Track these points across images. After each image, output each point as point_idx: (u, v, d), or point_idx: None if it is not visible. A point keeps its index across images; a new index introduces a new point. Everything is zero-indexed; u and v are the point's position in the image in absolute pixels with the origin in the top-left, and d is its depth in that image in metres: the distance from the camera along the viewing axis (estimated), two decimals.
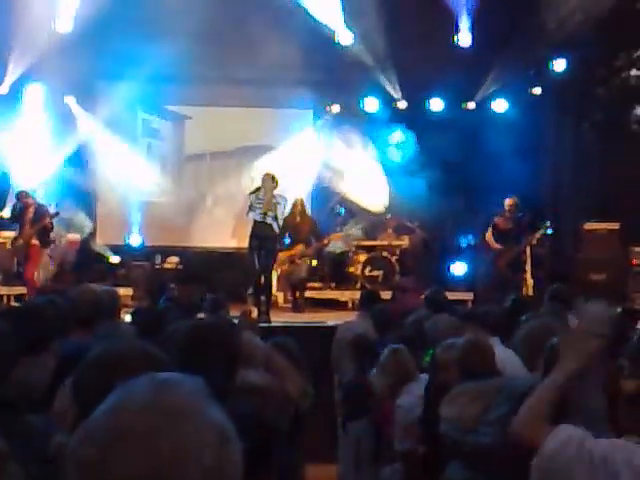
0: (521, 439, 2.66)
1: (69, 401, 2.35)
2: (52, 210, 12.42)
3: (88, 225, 14.35)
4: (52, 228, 12.34)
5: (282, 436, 3.12)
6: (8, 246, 12.53)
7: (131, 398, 1.25)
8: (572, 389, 2.73)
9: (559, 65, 14.36)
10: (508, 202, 12.36)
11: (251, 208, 10.98)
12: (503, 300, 7.84)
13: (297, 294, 12.87)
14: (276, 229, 11.08)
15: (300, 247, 12.95)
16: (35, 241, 12.04)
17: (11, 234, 12.49)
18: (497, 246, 12.36)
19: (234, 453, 1.26)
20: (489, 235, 12.47)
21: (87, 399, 1.99)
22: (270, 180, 10.99)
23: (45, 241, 12.22)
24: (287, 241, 12.98)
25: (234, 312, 7.46)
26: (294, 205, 13.01)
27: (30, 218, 12.01)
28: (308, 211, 13.51)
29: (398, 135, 14.66)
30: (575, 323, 2.89)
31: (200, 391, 1.28)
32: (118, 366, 2.09)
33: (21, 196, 12.27)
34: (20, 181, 13.28)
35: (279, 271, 13.01)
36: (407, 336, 6.17)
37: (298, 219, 13.03)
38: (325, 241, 13.38)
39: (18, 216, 12.17)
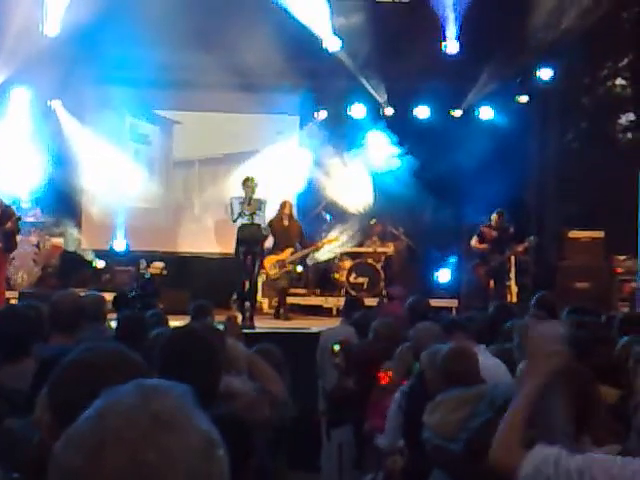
0: (501, 467, 2.67)
1: (44, 406, 2.32)
2: (38, 214, 12.21)
3: (70, 231, 14.26)
4: (17, 232, 11.83)
5: (263, 441, 3.11)
6: None
7: (118, 404, 1.23)
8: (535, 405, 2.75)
9: (545, 74, 14.40)
10: (494, 218, 12.40)
11: (241, 214, 10.98)
12: (484, 307, 7.85)
13: (279, 301, 12.84)
14: (264, 229, 11.14)
15: (289, 251, 12.84)
16: None
17: None
18: (483, 246, 12.35)
19: (221, 461, 1.25)
20: (475, 242, 12.49)
21: (63, 404, 1.97)
22: (250, 182, 11.03)
23: (8, 245, 11.67)
24: (272, 244, 12.88)
25: (219, 318, 7.44)
26: (282, 207, 12.87)
27: None
28: (295, 215, 13.43)
29: (384, 143, 14.65)
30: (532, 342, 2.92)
31: (187, 398, 1.27)
32: (94, 370, 2.05)
33: None
34: (4, 185, 13.16)
35: (265, 277, 12.97)
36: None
37: (286, 223, 12.85)
38: (319, 244, 13.29)
39: None
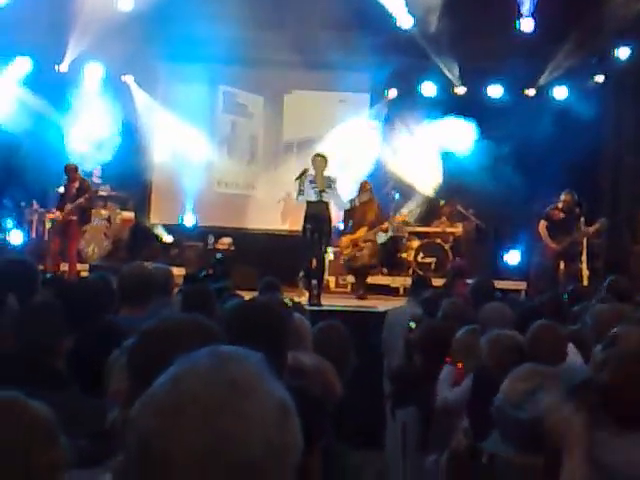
0: None
1: (123, 375, 2.34)
2: (109, 188, 12.44)
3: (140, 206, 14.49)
4: (92, 206, 12.28)
5: (328, 416, 3.09)
6: None
7: (194, 369, 1.24)
8: None
9: (623, 53, 14.08)
10: (565, 197, 12.15)
11: (301, 192, 10.89)
12: (552, 290, 7.72)
13: (359, 280, 12.79)
14: (337, 207, 11.07)
15: (363, 230, 12.77)
16: (73, 217, 11.93)
17: None
18: (550, 243, 12.15)
19: (294, 427, 1.26)
20: (542, 227, 12.28)
21: (143, 370, 1.98)
22: (321, 160, 10.94)
23: (83, 218, 12.11)
24: (349, 224, 12.84)
25: (286, 295, 7.45)
26: (361, 187, 12.80)
27: (73, 194, 11.95)
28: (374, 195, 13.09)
29: (454, 122, 14.50)
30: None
31: (262, 365, 1.28)
32: (174, 337, 2.08)
33: (67, 169, 12.16)
34: (77, 158, 13.37)
35: (338, 255, 12.98)
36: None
37: (366, 201, 12.62)
38: (385, 225, 13.17)
39: (64, 190, 12.14)
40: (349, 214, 12.77)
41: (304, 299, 10.29)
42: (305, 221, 10.93)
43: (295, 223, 12.51)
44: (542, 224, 12.28)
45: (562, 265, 12.24)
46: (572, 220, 12.24)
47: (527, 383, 4.10)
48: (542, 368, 4.15)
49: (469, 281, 8.40)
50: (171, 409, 1.20)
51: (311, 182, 10.81)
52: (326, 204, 10.87)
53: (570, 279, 11.66)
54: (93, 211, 12.89)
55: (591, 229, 12.32)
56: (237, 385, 1.21)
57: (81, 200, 11.85)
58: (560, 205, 12.24)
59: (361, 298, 12.31)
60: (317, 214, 10.80)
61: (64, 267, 12.02)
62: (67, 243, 11.98)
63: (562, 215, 12.20)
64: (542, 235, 12.29)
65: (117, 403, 2.58)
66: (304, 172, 10.94)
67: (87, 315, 4.23)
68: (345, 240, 12.70)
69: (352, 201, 12.27)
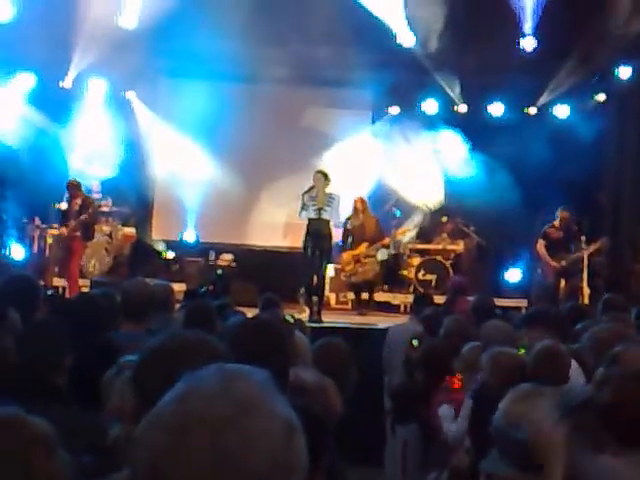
0: None
1: (126, 391, 2.34)
2: (101, 203, 12.46)
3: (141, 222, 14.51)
4: (95, 222, 12.31)
5: (330, 434, 3.08)
6: None
7: (201, 387, 1.25)
8: None
9: (624, 72, 14.11)
10: (561, 215, 12.20)
11: (304, 207, 10.96)
12: (554, 308, 7.71)
13: (361, 296, 12.81)
14: (334, 225, 11.13)
15: (364, 246, 12.83)
16: (77, 233, 11.93)
17: None
18: (550, 261, 12.18)
19: (300, 444, 1.26)
20: (540, 246, 12.33)
21: (148, 388, 1.98)
22: (322, 177, 10.98)
23: (87, 234, 12.11)
24: (350, 241, 12.90)
25: (287, 312, 7.44)
26: (354, 204, 12.95)
27: (76, 210, 11.97)
28: (370, 210, 13.30)
29: (455, 139, 14.54)
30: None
31: (267, 383, 1.29)
32: (180, 355, 2.08)
33: (69, 186, 12.18)
34: (79, 174, 13.39)
35: (339, 271, 13.01)
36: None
37: (361, 218, 12.91)
38: (386, 240, 13.21)
39: (66, 206, 12.18)
40: (349, 230, 12.84)
41: (305, 315, 10.29)
42: (305, 238, 10.99)
43: (296, 240, 12.53)
44: (540, 243, 12.33)
45: (563, 283, 12.26)
46: (570, 238, 12.28)
47: (526, 403, 4.09)
48: (542, 388, 4.14)
49: (469, 298, 8.42)
50: (178, 429, 1.21)
51: (312, 199, 10.85)
52: (326, 221, 10.91)
53: (571, 297, 11.67)
54: (95, 227, 12.91)
55: (591, 248, 12.34)
56: (242, 404, 1.22)
57: (84, 216, 11.86)
58: (557, 223, 12.28)
59: (361, 314, 12.32)
60: (317, 231, 10.85)
61: (64, 282, 12.04)
62: (69, 259, 11.98)
63: (560, 233, 12.24)
64: (541, 254, 12.34)
65: (118, 419, 2.58)
66: (311, 188, 10.99)
67: (89, 332, 4.23)
68: (346, 256, 12.76)
69: (347, 221, 12.36)
